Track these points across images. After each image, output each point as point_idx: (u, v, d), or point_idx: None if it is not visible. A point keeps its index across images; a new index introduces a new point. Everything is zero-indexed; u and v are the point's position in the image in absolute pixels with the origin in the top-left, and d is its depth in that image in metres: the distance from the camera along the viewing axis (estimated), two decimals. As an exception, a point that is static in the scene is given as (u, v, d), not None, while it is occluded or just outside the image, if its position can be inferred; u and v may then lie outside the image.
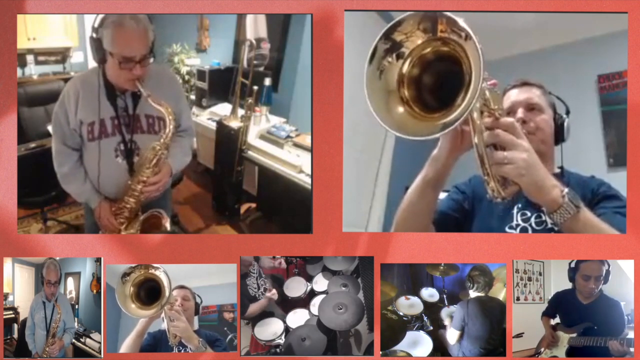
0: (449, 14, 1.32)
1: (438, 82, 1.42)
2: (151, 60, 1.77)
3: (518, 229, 1.66)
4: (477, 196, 1.65)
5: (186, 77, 2.33)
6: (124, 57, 1.73)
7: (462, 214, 1.67)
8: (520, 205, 1.65)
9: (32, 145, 1.94)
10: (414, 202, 1.49)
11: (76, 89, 1.81)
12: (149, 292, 1.80)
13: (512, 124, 1.36)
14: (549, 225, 1.58)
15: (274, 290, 1.93)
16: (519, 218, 1.65)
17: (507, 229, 1.66)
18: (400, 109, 1.40)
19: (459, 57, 1.33)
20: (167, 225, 1.89)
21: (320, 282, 1.94)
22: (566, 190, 1.39)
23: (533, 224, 1.65)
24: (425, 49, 1.39)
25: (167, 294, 1.77)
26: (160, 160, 1.84)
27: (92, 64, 1.81)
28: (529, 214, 1.64)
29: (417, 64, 1.40)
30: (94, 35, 1.73)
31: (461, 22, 1.30)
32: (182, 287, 1.84)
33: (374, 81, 1.39)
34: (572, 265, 1.80)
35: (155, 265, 1.80)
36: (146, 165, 1.83)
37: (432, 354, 1.83)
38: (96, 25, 1.73)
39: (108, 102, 1.81)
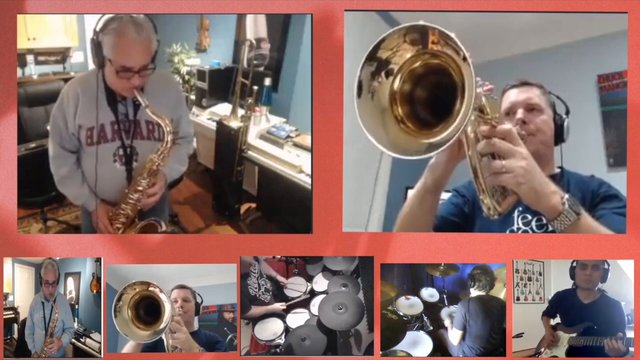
0: (439, 27, 1.27)
1: (431, 96, 1.39)
2: (152, 70, 1.75)
3: (519, 233, 1.66)
4: (477, 199, 1.64)
5: (186, 77, 2.32)
6: (122, 67, 1.71)
7: (463, 218, 1.67)
8: (520, 209, 1.64)
9: (32, 145, 1.94)
10: (414, 208, 1.49)
11: (75, 93, 1.79)
12: (147, 309, 1.79)
13: (509, 131, 1.34)
14: (550, 228, 1.58)
15: (285, 306, 1.93)
16: (519, 221, 1.65)
17: (508, 233, 1.66)
18: (395, 128, 1.37)
19: (450, 69, 1.30)
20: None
21: (320, 282, 1.94)
22: (566, 196, 1.38)
23: (534, 227, 1.64)
24: (415, 63, 1.35)
25: (167, 312, 1.76)
26: (156, 172, 1.84)
27: (93, 64, 1.80)
28: (529, 217, 1.64)
29: (408, 79, 1.37)
30: (95, 38, 1.72)
31: (454, 37, 1.26)
32: (182, 287, 1.83)
33: (366, 103, 1.36)
34: (574, 264, 1.80)
35: (149, 282, 1.78)
36: (143, 176, 1.83)
37: (432, 354, 1.83)
38: (98, 28, 1.71)
39: (108, 108, 1.80)
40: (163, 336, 1.80)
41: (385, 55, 1.34)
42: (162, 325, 1.76)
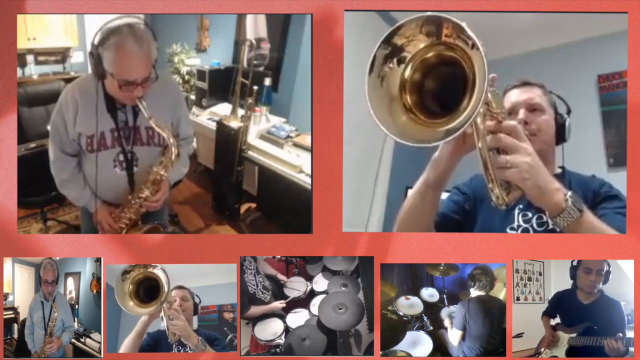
0: (454, 18, 1.29)
1: (441, 87, 1.39)
2: (154, 79, 1.73)
3: (519, 230, 1.66)
4: (478, 197, 1.65)
5: (186, 77, 2.33)
6: (125, 81, 1.68)
7: (463, 216, 1.67)
8: (521, 206, 1.64)
9: (32, 145, 1.94)
10: (415, 204, 1.49)
11: (74, 98, 1.77)
12: (148, 291, 1.80)
13: (514, 127, 1.35)
14: (551, 226, 1.58)
15: (284, 303, 1.93)
16: (520, 219, 1.65)
17: (508, 230, 1.66)
18: (404, 116, 1.38)
19: (462, 62, 1.31)
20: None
21: (320, 282, 1.94)
22: (569, 193, 1.38)
23: (534, 225, 1.65)
24: (428, 53, 1.36)
25: (166, 290, 1.77)
26: (160, 181, 1.83)
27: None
28: (530, 214, 1.64)
29: (419, 68, 1.38)
30: (94, 52, 1.69)
31: (467, 28, 1.27)
32: (180, 287, 1.84)
33: (376, 89, 1.37)
34: (574, 263, 1.80)
35: (152, 264, 1.80)
36: (147, 185, 1.82)
37: (432, 354, 1.83)
38: (96, 42, 1.68)
39: (108, 115, 1.78)
40: (162, 324, 1.81)
41: (400, 42, 1.35)
42: (161, 299, 1.77)
